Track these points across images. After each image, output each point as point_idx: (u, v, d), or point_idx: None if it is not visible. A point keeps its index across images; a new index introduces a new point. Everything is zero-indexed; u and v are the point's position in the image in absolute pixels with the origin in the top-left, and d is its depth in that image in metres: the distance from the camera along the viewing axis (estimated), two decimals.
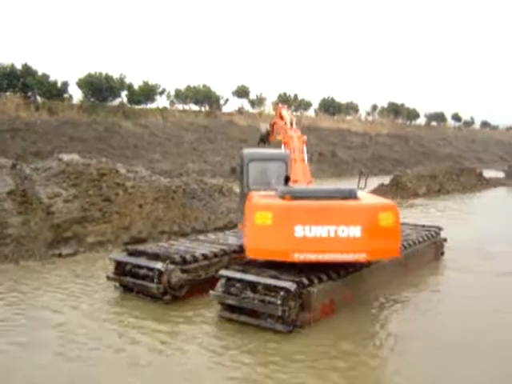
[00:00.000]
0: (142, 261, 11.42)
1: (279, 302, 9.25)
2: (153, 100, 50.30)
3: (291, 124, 13.99)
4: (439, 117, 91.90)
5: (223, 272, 10.20)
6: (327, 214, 9.87)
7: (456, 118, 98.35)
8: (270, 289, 9.57)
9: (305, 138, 13.56)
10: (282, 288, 9.34)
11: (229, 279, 10.06)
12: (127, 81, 47.44)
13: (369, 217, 9.90)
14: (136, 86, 48.41)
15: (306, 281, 9.65)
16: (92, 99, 44.79)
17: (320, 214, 9.89)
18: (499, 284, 13.23)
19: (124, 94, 47.63)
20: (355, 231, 9.74)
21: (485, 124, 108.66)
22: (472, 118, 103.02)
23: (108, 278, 11.85)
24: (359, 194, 10.62)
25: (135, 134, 38.25)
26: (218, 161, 36.93)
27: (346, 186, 11.14)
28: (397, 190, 31.31)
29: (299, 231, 9.78)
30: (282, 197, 10.32)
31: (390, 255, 10.59)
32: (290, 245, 9.82)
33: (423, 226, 16.45)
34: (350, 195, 10.29)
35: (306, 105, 68.66)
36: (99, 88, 44.03)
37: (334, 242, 9.76)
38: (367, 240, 9.78)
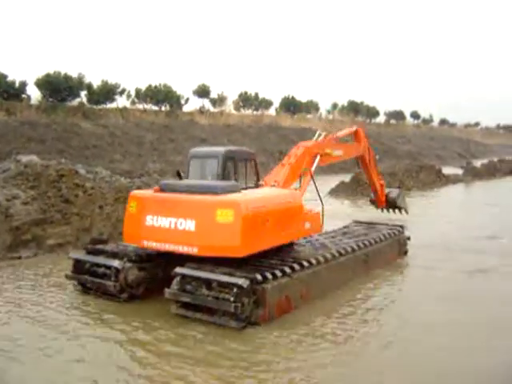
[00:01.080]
0: (100, 259, 11.49)
1: (232, 299, 9.39)
2: (113, 100, 49.95)
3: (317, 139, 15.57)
4: (398, 115, 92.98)
5: (178, 270, 10.28)
6: (171, 207, 10.44)
7: (415, 115, 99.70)
8: (224, 286, 9.71)
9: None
10: (235, 285, 9.49)
11: (184, 277, 10.17)
12: (86, 80, 47.07)
13: (204, 212, 10.02)
14: (95, 86, 48.03)
15: (259, 277, 9.79)
16: (51, 99, 44.32)
17: (166, 206, 10.53)
18: (462, 280, 13.75)
19: (83, 93, 47.26)
20: (190, 225, 10.05)
21: (443, 122, 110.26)
22: (431, 116, 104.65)
23: (67, 276, 11.88)
24: (232, 189, 10.64)
25: (95, 134, 37.97)
26: (179, 160, 36.80)
27: (218, 183, 11.17)
28: (357, 187, 31.64)
29: (149, 220, 10.60)
30: (155, 189, 11.17)
31: (226, 253, 10.04)
32: (142, 232, 10.74)
33: (386, 225, 16.74)
34: (210, 190, 10.38)
35: (267, 104, 68.85)
36: (58, 88, 43.59)
37: (173, 233, 10.28)
38: (200, 235, 9.99)
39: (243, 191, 10.96)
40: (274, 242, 11.01)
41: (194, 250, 10.12)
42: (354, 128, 18.85)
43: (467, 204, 28.74)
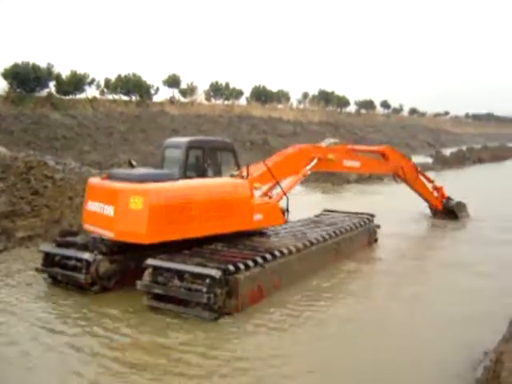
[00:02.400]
0: (71, 251, 11.41)
1: (205, 290, 9.41)
2: (82, 90, 49.43)
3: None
4: (369, 104, 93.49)
5: (150, 261, 10.27)
6: (101, 193, 10.97)
7: (385, 105, 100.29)
8: (196, 277, 9.73)
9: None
10: (207, 276, 9.52)
11: (155, 268, 10.17)
12: (55, 70, 46.39)
13: (121, 199, 10.38)
14: (64, 76, 47.45)
15: (232, 268, 9.84)
16: (18, 90, 43.57)
17: (99, 193, 11.09)
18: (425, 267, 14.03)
19: (52, 84, 46.57)
20: (110, 211, 10.47)
21: (413, 111, 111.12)
22: (400, 106, 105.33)
23: (37, 269, 11.78)
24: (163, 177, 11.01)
25: (64, 125, 37.54)
26: (149, 151, 36.64)
27: (147, 171, 11.70)
28: (328, 176, 31.76)
29: (89, 205, 11.24)
30: (102, 177, 11.80)
31: (135, 239, 10.38)
32: (84, 216, 11.48)
33: (356, 213, 16.86)
34: (135, 179, 10.73)
35: (238, 93, 68.71)
36: (26, 78, 42.84)
37: (100, 218, 10.79)
38: (117, 220, 10.38)
39: (174, 181, 11.07)
40: (202, 231, 11.04)
41: (111, 235, 10.56)
42: (382, 148, 19.01)
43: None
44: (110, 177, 11.50)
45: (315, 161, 14.86)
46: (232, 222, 11.59)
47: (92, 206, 11.25)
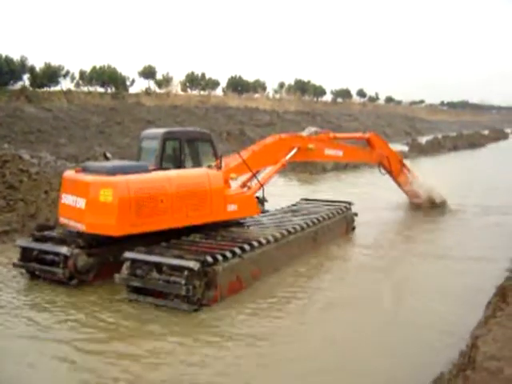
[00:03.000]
0: (48, 246, 11.35)
1: (183, 282, 9.43)
2: (56, 82, 48.92)
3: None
4: (345, 93, 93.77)
5: (128, 254, 10.27)
6: (74, 186, 11.00)
7: (361, 94, 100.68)
8: (174, 269, 9.75)
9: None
10: (185, 267, 9.53)
11: (133, 261, 10.15)
12: (29, 63, 45.85)
13: (91, 191, 10.45)
14: (38, 69, 46.93)
15: (210, 259, 9.85)
16: None
17: (72, 185, 11.11)
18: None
19: (26, 77, 46.03)
20: (82, 203, 10.54)
21: (389, 99, 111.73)
22: (376, 94, 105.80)
23: (14, 264, 11.71)
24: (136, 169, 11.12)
25: (39, 118, 37.10)
26: (125, 143, 36.36)
27: (119, 164, 11.85)
28: (305, 165, 31.81)
29: (63, 198, 11.30)
30: (76, 170, 11.78)
31: (106, 232, 10.47)
32: (60, 209, 11.51)
33: (333, 202, 16.91)
34: (107, 171, 10.78)
35: (214, 84, 68.46)
36: None
37: (72, 210, 10.87)
38: (88, 213, 10.44)
39: (145, 172, 11.08)
40: (175, 222, 11.09)
41: (83, 227, 10.61)
42: (367, 135, 18.81)
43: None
44: (84, 169, 11.48)
45: (295, 150, 14.82)
46: (205, 213, 11.61)
47: (66, 199, 11.30)
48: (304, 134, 16.12)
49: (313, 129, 16.78)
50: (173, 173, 11.76)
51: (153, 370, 7.57)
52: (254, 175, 13.58)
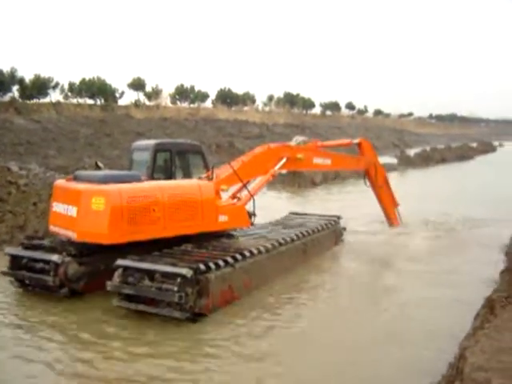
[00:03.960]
0: (38, 254, 11.30)
1: (176, 289, 9.42)
2: (46, 94, 48.91)
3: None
4: (334, 106, 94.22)
5: (120, 262, 10.26)
6: (65, 194, 11.02)
7: (350, 106, 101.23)
8: (167, 276, 9.75)
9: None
10: (178, 275, 9.53)
11: (126, 269, 10.14)
12: (18, 75, 45.83)
13: (83, 200, 10.44)
14: (28, 80, 46.89)
15: (203, 267, 9.87)
16: None
17: (63, 194, 11.13)
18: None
19: (15, 88, 46.01)
20: (73, 211, 10.55)
21: (378, 112, 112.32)
22: (365, 107, 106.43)
23: (3, 273, 11.63)
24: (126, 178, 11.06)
25: (28, 129, 37.08)
26: (115, 154, 36.38)
27: (111, 173, 11.91)
28: (294, 178, 31.88)
29: (54, 206, 11.32)
30: (67, 178, 11.82)
31: (98, 240, 10.45)
32: (51, 218, 11.52)
33: (323, 216, 16.99)
34: (100, 180, 10.79)
35: (203, 96, 68.60)
36: None
37: (64, 219, 10.87)
38: (80, 221, 10.44)
39: (138, 182, 11.11)
40: (166, 232, 11.08)
41: (74, 235, 10.59)
42: (358, 140, 18.68)
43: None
44: (76, 178, 11.50)
45: (284, 160, 14.84)
46: (196, 224, 11.62)
47: (57, 207, 11.30)
48: (292, 143, 16.13)
49: (301, 138, 16.77)
50: (165, 183, 11.79)
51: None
52: (245, 186, 13.59)
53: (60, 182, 11.88)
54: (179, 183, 12.11)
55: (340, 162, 17.88)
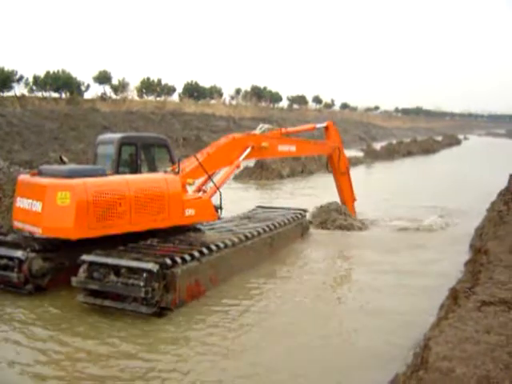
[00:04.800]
0: (2, 250, 11.15)
1: (142, 284, 9.39)
2: (10, 88, 48.21)
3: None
4: (301, 99, 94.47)
5: (85, 257, 10.17)
6: (30, 189, 10.91)
7: (317, 100, 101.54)
8: (133, 271, 9.71)
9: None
10: (144, 270, 9.51)
11: (91, 264, 10.08)
12: None
13: (48, 194, 10.35)
14: None
15: (169, 262, 9.85)
16: None
17: (27, 189, 11.01)
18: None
19: None
20: (38, 207, 10.46)
21: (344, 106, 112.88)
22: (332, 100, 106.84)
23: None
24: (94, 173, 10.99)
25: None
26: (80, 148, 35.97)
27: (76, 167, 11.89)
28: (261, 171, 31.93)
29: (18, 202, 11.20)
30: (32, 173, 11.69)
31: (64, 235, 10.39)
32: (14, 213, 11.43)
33: (289, 209, 17.05)
34: (63, 174, 10.73)
35: (170, 89, 68.21)
36: None
37: (28, 214, 10.77)
38: (45, 216, 10.37)
39: (102, 176, 11.02)
40: (133, 226, 11.03)
41: (39, 231, 10.49)
42: (325, 124, 18.70)
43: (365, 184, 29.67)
44: (40, 173, 11.36)
45: (249, 149, 14.85)
46: (163, 218, 11.57)
47: (21, 202, 11.15)
48: (257, 131, 16.12)
49: (265, 126, 16.79)
50: (131, 177, 11.72)
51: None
52: (210, 178, 13.55)
53: (24, 177, 11.70)
54: (145, 177, 12.06)
55: (305, 147, 17.87)
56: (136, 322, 9.49)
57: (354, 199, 19.38)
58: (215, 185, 13.50)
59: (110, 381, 7.38)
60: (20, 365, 7.84)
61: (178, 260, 10.14)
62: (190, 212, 12.20)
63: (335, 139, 18.65)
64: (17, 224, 11.42)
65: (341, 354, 8.39)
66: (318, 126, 18.65)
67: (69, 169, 11.12)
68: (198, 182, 13.69)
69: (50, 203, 10.25)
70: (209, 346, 8.54)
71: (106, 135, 14.12)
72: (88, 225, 10.21)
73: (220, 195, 13.31)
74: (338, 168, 18.69)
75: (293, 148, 16.75)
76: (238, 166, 14.56)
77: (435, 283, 11.47)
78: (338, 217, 17.82)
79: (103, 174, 11.16)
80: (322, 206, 18.64)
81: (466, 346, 5.66)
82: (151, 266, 9.51)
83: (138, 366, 7.78)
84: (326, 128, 18.56)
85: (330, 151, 18.45)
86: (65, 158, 12.89)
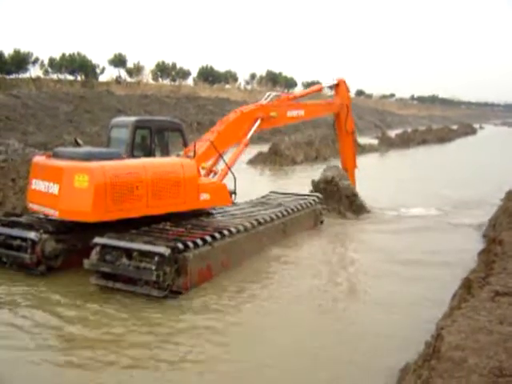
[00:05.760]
0: (16, 231, 11.22)
1: (154, 268, 9.42)
2: (25, 69, 48.38)
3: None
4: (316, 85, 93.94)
5: (98, 240, 10.21)
6: (46, 171, 10.83)
7: (332, 86, 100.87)
8: (145, 255, 9.73)
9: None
10: (156, 253, 9.53)
11: (103, 247, 10.11)
12: None
13: (66, 177, 10.28)
14: (7, 55, 46.31)
15: (181, 246, 9.88)
16: None
17: (44, 171, 10.93)
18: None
19: None
20: (55, 189, 10.40)
21: (360, 93, 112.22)
22: (347, 87, 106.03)
23: None
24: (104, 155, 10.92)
25: (7, 105, 36.58)
26: (95, 131, 36.07)
27: (92, 150, 11.75)
28: (275, 157, 31.91)
29: (33, 184, 11.14)
30: (47, 155, 11.61)
31: (80, 218, 10.33)
32: (29, 195, 11.41)
33: (303, 195, 16.93)
34: (80, 157, 10.67)
35: (185, 73, 68.18)
36: None
37: (44, 196, 10.72)
38: (62, 199, 10.32)
39: (119, 160, 10.98)
40: (149, 210, 11.00)
41: (56, 213, 10.47)
42: (335, 81, 18.36)
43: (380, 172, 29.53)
44: (55, 155, 11.31)
45: (258, 122, 14.76)
46: (178, 202, 11.56)
47: (37, 184, 11.10)
48: (264, 101, 15.86)
49: (273, 93, 16.50)
50: (147, 160, 11.70)
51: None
52: (221, 157, 13.50)
53: (39, 159, 11.65)
54: (162, 161, 12.03)
55: (313, 110, 17.64)
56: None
57: (355, 165, 19.17)
58: (227, 165, 13.46)
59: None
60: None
61: (190, 244, 10.16)
62: (205, 196, 12.20)
63: (344, 96, 18.40)
64: (32, 206, 11.42)
65: (352, 341, 8.38)
66: (326, 84, 18.33)
67: (85, 151, 11.12)
68: (208, 164, 13.65)
69: (68, 186, 10.21)
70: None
71: (120, 118, 14.10)
72: (106, 208, 10.17)
73: (234, 180, 13.28)
74: (344, 127, 18.45)
75: (301, 112, 16.56)
76: (246, 145, 14.46)
77: (447, 272, 11.43)
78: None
79: (119, 157, 11.13)
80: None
81: (478, 336, 5.62)
82: (163, 250, 9.53)
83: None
84: (337, 85, 18.28)
85: (338, 109, 18.21)
86: (80, 141, 12.90)
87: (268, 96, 15.97)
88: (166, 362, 7.44)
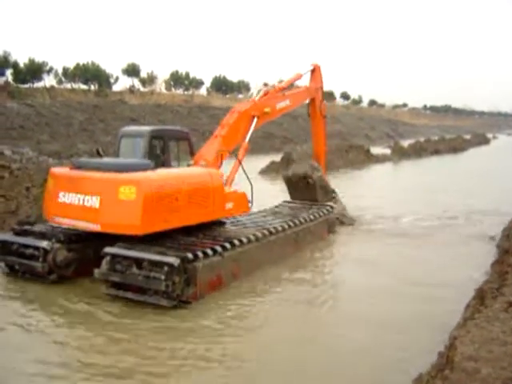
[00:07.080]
0: (28, 240, 11.27)
1: (163, 277, 9.41)
2: (40, 79, 48.70)
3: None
4: (329, 95, 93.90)
5: (108, 249, 10.21)
6: (80, 184, 10.45)
7: (344, 96, 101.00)
8: (155, 264, 9.71)
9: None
10: (166, 263, 9.52)
11: (114, 256, 10.12)
12: (12, 58, 45.62)
13: (108, 189, 10.03)
14: (22, 64, 46.66)
15: (190, 256, 9.86)
16: None
17: (75, 183, 10.52)
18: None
19: (9, 72, 45.77)
20: (95, 202, 10.08)
21: (372, 102, 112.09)
22: (360, 97, 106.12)
23: None
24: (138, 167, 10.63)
25: (21, 114, 36.91)
26: (108, 140, 36.25)
27: (127, 161, 11.34)
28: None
29: (61, 197, 10.61)
30: (70, 167, 11.26)
31: (126, 231, 10.06)
32: (54, 209, 10.81)
33: (316, 205, 16.85)
34: (116, 168, 10.40)
35: (198, 83, 68.42)
36: None
37: (80, 210, 10.29)
38: (104, 212, 10.04)
39: (153, 170, 10.78)
40: (186, 221, 10.96)
41: (97, 227, 10.19)
42: (312, 67, 18.54)
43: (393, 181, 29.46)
44: (79, 166, 11.04)
45: (255, 121, 14.85)
46: (208, 211, 11.54)
47: (66, 197, 10.64)
48: (256, 98, 15.88)
49: (263, 88, 16.62)
50: (180, 171, 11.70)
51: None
52: (240, 163, 13.63)
53: (64, 171, 11.31)
54: (192, 171, 11.99)
55: (296, 98, 17.69)
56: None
57: (325, 150, 19.58)
58: (248, 179, 13.47)
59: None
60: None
61: (200, 254, 10.15)
62: (229, 205, 12.24)
63: (318, 81, 18.62)
64: (59, 220, 10.97)
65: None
66: (304, 71, 18.50)
67: (117, 163, 10.94)
68: (225, 172, 13.68)
69: (111, 198, 9.97)
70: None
71: (130, 128, 14.12)
72: (153, 220, 10.04)
73: (251, 188, 13.24)
74: (319, 111, 18.81)
75: (288, 102, 16.78)
76: (246, 149, 14.51)
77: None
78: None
79: (151, 167, 10.89)
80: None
81: (492, 346, 5.60)
82: (172, 260, 9.53)
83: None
84: (313, 70, 18.51)
85: (313, 94, 18.45)
86: (101, 151, 12.88)
87: (259, 91, 16.13)
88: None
